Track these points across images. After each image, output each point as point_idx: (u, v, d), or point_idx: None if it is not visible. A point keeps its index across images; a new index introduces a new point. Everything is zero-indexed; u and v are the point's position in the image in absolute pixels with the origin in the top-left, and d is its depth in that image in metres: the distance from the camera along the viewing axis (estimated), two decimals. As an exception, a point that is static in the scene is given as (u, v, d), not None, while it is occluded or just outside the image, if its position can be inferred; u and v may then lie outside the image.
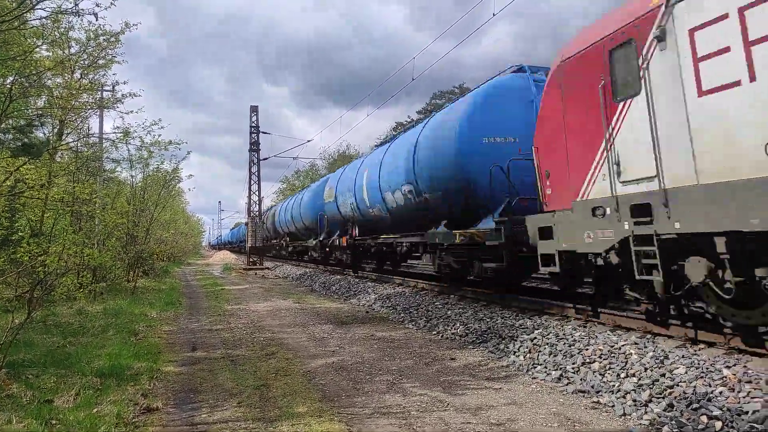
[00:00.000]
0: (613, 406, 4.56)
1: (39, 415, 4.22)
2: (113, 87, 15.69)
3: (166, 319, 10.36)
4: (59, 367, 5.76)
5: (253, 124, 30.69)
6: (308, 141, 46.25)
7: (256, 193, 31.19)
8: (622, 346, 5.51)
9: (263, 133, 31.14)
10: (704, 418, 3.92)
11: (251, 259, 30.42)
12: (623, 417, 4.35)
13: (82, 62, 13.28)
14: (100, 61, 13.70)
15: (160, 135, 15.77)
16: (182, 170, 23.09)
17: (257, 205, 31.26)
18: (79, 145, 15.87)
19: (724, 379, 4.30)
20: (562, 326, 6.70)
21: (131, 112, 13.81)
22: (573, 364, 5.55)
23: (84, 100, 14.13)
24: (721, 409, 3.93)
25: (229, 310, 11.51)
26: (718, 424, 3.80)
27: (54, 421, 4.17)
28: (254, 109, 30.88)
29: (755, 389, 4.01)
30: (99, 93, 15.69)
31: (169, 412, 4.74)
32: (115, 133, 15.09)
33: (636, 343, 5.50)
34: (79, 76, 13.67)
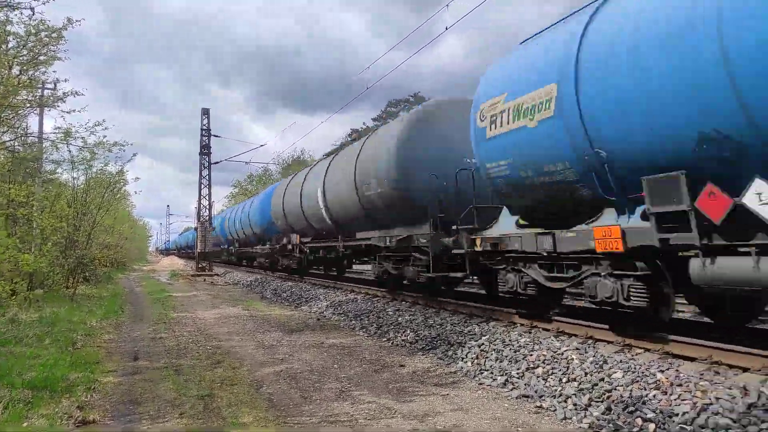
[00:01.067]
0: (555, 410, 4.69)
1: (-38, 431, 3.97)
2: (55, 85, 15.04)
3: (107, 327, 9.94)
4: (-13, 380, 5.43)
5: (204, 127, 30.03)
6: (261, 145, 45.79)
7: (207, 197, 30.49)
8: (565, 351, 5.68)
9: (215, 136, 30.52)
10: (639, 421, 4.09)
11: (200, 265, 29.65)
12: (564, 420, 4.48)
13: (21, 58, 12.67)
14: (41, 58, 13.10)
15: (105, 136, 15.19)
16: (128, 172, 22.30)
17: (207, 210, 30.55)
18: (15, 144, 15.10)
19: (658, 382, 4.51)
20: (509, 332, 6.85)
21: (73, 111, 13.18)
22: (518, 369, 5.68)
23: (22, 97, 13.48)
24: (654, 412, 4.11)
25: (175, 318, 11.16)
26: (652, 426, 3.97)
27: (-22, 437, 3.93)
28: (205, 112, 30.23)
29: (686, 392, 4.21)
30: (39, 91, 14.99)
31: (106, 424, 4.55)
32: (55, 133, 14.41)
33: (577, 348, 5.69)
34: (17, 73, 13.02)
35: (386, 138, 10.49)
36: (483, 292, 10.48)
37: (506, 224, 7.47)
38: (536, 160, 6.29)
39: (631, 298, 5.37)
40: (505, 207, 7.62)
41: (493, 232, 7.58)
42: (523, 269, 6.94)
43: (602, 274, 5.70)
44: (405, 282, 10.89)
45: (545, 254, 6.38)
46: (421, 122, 9.86)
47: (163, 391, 5.53)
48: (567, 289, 6.85)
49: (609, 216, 5.71)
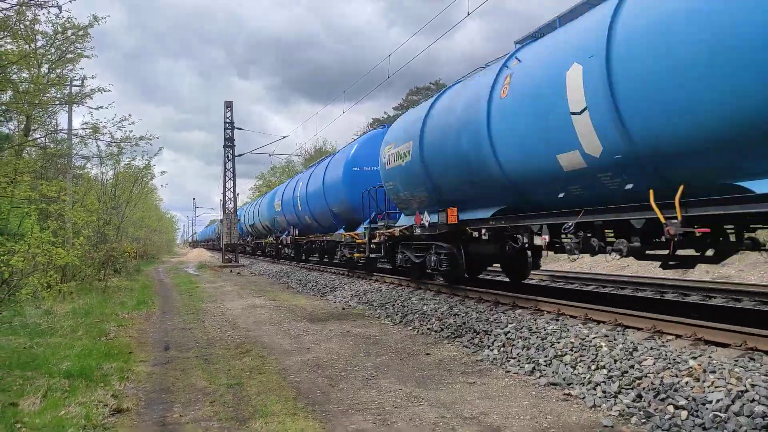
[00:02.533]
0: (583, 397, 4.64)
1: (3, 419, 4.11)
2: (82, 81, 15.35)
3: (137, 318, 10.18)
4: (25, 369, 5.61)
5: (228, 120, 30.33)
6: (284, 137, 46.04)
7: (231, 189, 30.86)
8: (593, 338, 5.61)
9: (238, 129, 30.80)
10: (671, 408, 4.02)
11: (226, 257, 30.10)
12: (593, 408, 4.43)
13: (49, 56, 12.95)
14: (69, 56, 13.38)
15: (131, 131, 15.47)
16: (154, 166, 22.70)
17: (232, 202, 30.94)
18: (46, 141, 15.50)
19: (690, 369, 4.41)
20: (536, 320, 6.79)
21: (101, 107, 13.46)
22: (545, 357, 5.63)
23: (52, 95, 13.79)
24: (686, 399, 4.03)
25: (203, 309, 11.37)
26: (684, 414, 3.90)
27: (19, 425, 4.07)
28: (228, 105, 30.52)
29: (719, 379, 4.12)
30: (67, 88, 15.31)
31: (140, 412, 4.66)
32: (84, 129, 14.70)
33: (606, 336, 5.61)
34: (46, 71, 13.32)
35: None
36: (506, 279, 11.15)
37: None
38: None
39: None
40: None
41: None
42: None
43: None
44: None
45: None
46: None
47: (194, 380, 5.64)
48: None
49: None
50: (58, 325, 8.20)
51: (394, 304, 9.97)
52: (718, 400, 3.85)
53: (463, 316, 7.89)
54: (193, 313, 10.80)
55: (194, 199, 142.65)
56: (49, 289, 10.36)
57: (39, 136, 14.74)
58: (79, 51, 13.08)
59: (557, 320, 6.61)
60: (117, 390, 5.20)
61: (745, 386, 3.90)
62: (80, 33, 11.98)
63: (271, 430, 4.09)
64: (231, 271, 24.89)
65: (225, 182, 30.71)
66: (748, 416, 3.60)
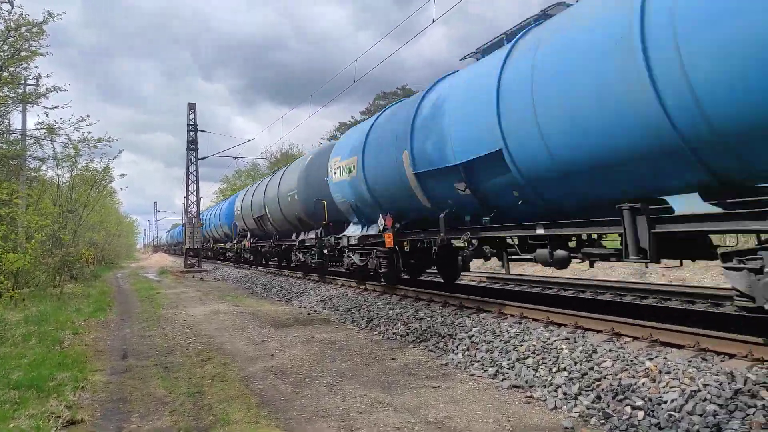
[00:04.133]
0: (545, 399, 4.72)
1: (-54, 434, 3.91)
2: (37, 80, 14.79)
3: (95, 326, 9.85)
4: (-28, 381, 5.35)
5: (191, 122, 29.76)
6: (249, 140, 45.15)
7: (195, 193, 30.25)
8: (555, 341, 5.72)
9: (201, 131, 30.25)
10: (628, 409, 4.13)
11: (189, 262, 29.46)
12: (554, 410, 4.51)
13: (1, 54, 12.43)
14: (22, 53, 12.86)
15: (89, 132, 14.98)
16: (114, 169, 22.06)
17: (195, 206, 30.32)
18: (-2, 142, 14.85)
19: (647, 370, 4.55)
20: (499, 323, 6.88)
21: (57, 107, 12.95)
22: (509, 360, 5.71)
23: (4, 93, 13.25)
24: (643, 399, 4.15)
25: (164, 315, 11.08)
26: (641, 414, 4.01)
27: (-37, 440, 3.87)
28: (192, 107, 29.95)
29: (674, 379, 4.26)
30: (21, 87, 14.73)
31: (95, 423, 4.50)
32: (38, 129, 14.16)
33: (567, 338, 5.73)
34: (-2, 68, 12.77)
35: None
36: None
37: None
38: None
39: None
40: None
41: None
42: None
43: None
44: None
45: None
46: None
47: (153, 389, 5.49)
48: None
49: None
50: (9, 334, 7.85)
51: (360, 309, 9.94)
52: (672, 400, 3.98)
53: (428, 320, 7.93)
54: (153, 319, 10.51)
55: (155, 202, 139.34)
56: (-1, 296, 9.93)
57: (-10, 136, 14.13)
58: (33, 48, 12.61)
59: (520, 323, 6.72)
60: (71, 401, 5.00)
61: (698, 386, 4.04)
62: (34, 30, 11.56)
63: (232, 439, 4.01)
64: (194, 277, 24.35)
65: (188, 185, 30.09)
66: (700, 415, 3.72)
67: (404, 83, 53.24)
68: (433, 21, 11.69)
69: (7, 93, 13.54)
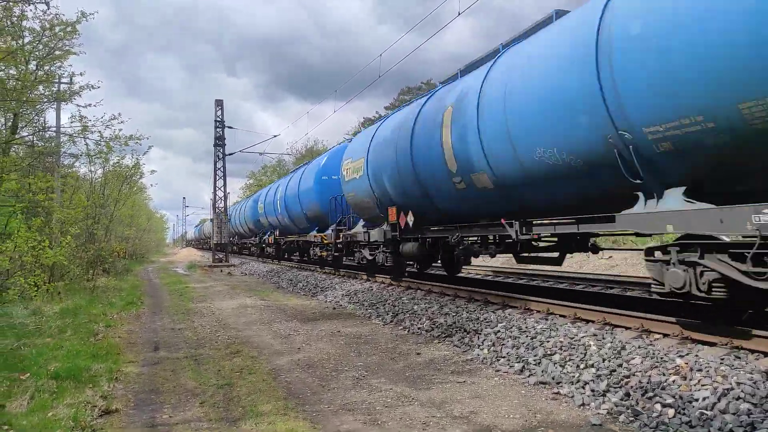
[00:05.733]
0: (572, 396, 4.68)
1: (-10, 421, 4.07)
2: (70, 79, 15.18)
3: (127, 318, 10.12)
4: (12, 371, 5.56)
5: (218, 119, 30.14)
6: (275, 136, 45.89)
7: (222, 189, 30.70)
8: (582, 337, 5.65)
9: (228, 127, 30.63)
10: (658, 406, 4.07)
11: (216, 256, 29.95)
12: (582, 407, 4.46)
13: (37, 53, 12.79)
14: (57, 52, 13.23)
15: (120, 129, 15.31)
16: (144, 165, 22.55)
17: (223, 201, 30.77)
18: (34, 139, 15.32)
19: (677, 368, 4.47)
20: (525, 319, 6.83)
21: (90, 105, 13.29)
22: (535, 356, 5.67)
23: (39, 92, 13.64)
24: (673, 397, 4.08)
25: (193, 309, 11.31)
26: (671, 412, 3.94)
27: (6, 427, 4.03)
28: (219, 103, 30.33)
29: (705, 377, 4.17)
30: (55, 85, 15.14)
31: (129, 414, 4.64)
32: (72, 127, 14.56)
33: (595, 335, 5.66)
34: (34, 68, 13.16)
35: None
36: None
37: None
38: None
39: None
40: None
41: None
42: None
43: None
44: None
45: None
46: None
47: (184, 380, 5.62)
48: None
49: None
50: (46, 326, 8.12)
51: (385, 304, 9.98)
52: (704, 398, 3.90)
53: (453, 316, 7.92)
54: (182, 313, 10.74)
55: (184, 198, 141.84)
56: (36, 289, 10.26)
57: (26, 134, 14.55)
58: (67, 48, 12.96)
59: (546, 320, 6.66)
60: (106, 391, 5.16)
61: (731, 384, 3.95)
62: (68, 29, 11.86)
63: (261, 431, 4.09)
64: (221, 271, 24.76)
65: (215, 181, 30.54)
66: (733, 414, 3.65)
67: (429, 77, 52.88)
68: (459, 14, 11.59)
69: (42, 91, 13.95)
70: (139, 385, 5.53)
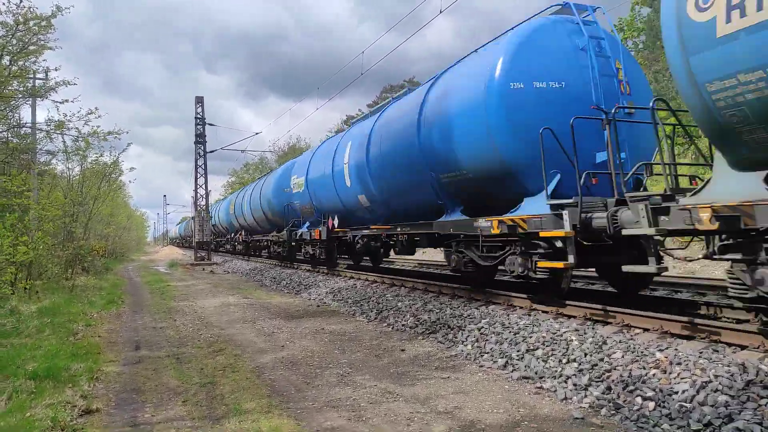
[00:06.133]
0: (555, 390, 4.73)
1: (-34, 423, 3.98)
2: (46, 74, 14.85)
3: (107, 317, 9.96)
4: (-11, 371, 5.44)
5: (198, 116, 29.82)
6: (257, 134, 45.59)
7: (203, 186, 30.38)
8: (564, 332, 5.72)
9: (209, 124, 30.32)
10: (639, 400, 4.13)
11: (198, 255, 29.65)
12: (564, 401, 4.52)
13: (10, 48, 12.49)
14: (31, 47, 12.92)
15: (98, 126, 15.02)
16: (123, 162, 22.18)
17: (204, 199, 30.46)
18: (9, 135, 14.96)
19: (657, 361, 4.54)
20: (508, 315, 6.89)
21: (66, 101, 12.99)
22: (518, 351, 5.72)
23: (14, 88, 13.32)
24: (654, 390, 4.15)
25: (175, 307, 11.18)
26: (652, 405, 4.01)
27: (-18, 428, 3.94)
28: (199, 101, 30.00)
29: (685, 370, 4.25)
30: (30, 81, 14.81)
31: (110, 413, 4.57)
32: (48, 123, 14.23)
33: (577, 330, 5.73)
34: (8, 62, 12.85)
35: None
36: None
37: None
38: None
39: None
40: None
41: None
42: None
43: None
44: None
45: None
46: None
47: (166, 379, 5.56)
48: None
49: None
50: (24, 326, 7.96)
51: (369, 301, 9.98)
52: (683, 391, 3.98)
53: (437, 312, 7.95)
54: (164, 312, 10.61)
55: (165, 196, 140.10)
56: (12, 288, 10.05)
57: (1, 130, 14.22)
58: (42, 42, 12.66)
59: (529, 315, 6.72)
60: (86, 391, 5.08)
61: (709, 377, 4.03)
62: (43, 24, 11.60)
63: (245, 429, 4.06)
64: (203, 269, 24.51)
65: (196, 179, 30.22)
66: (712, 406, 3.72)
67: (411, 75, 52.97)
68: (441, 12, 11.62)
69: (17, 87, 13.62)
70: (120, 384, 5.45)
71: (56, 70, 14.17)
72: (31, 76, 14.63)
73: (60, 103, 12.91)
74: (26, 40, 12.41)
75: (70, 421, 4.23)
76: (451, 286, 9.21)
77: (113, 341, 7.74)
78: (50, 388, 5.03)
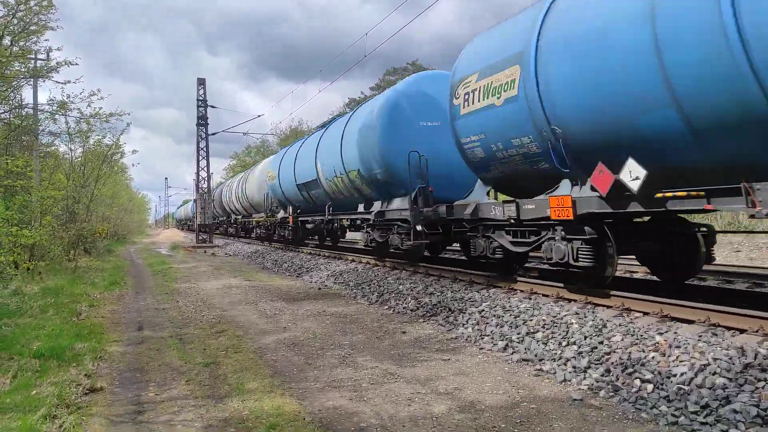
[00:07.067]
0: (554, 373, 4.77)
1: (-28, 399, 4.04)
2: (47, 54, 14.76)
3: (110, 298, 10.04)
4: (-6, 350, 5.50)
5: (200, 98, 29.66)
6: (259, 116, 45.29)
7: (205, 169, 30.34)
8: (564, 316, 5.75)
9: (211, 107, 30.17)
10: (637, 382, 4.17)
11: (200, 237, 29.73)
12: (564, 383, 4.56)
13: (11, 28, 12.39)
14: (32, 27, 12.82)
15: (101, 108, 14.95)
16: (125, 144, 22.21)
17: (206, 182, 30.44)
18: (11, 116, 14.92)
19: (657, 345, 4.57)
20: (509, 298, 6.92)
21: (68, 82, 12.89)
22: (518, 334, 5.76)
23: (15, 68, 13.25)
24: (652, 373, 4.18)
25: (177, 289, 11.25)
26: (650, 387, 4.05)
27: (-11, 405, 4.00)
28: (201, 82, 29.81)
29: (683, 353, 4.28)
30: (32, 61, 14.73)
31: (114, 392, 4.63)
32: (50, 104, 14.17)
33: (577, 313, 5.76)
34: (9, 43, 12.76)
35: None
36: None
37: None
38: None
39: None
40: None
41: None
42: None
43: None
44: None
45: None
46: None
47: (169, 359, 5.61)
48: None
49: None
50: (28, 306, 8.03)
51: (370, 284, 10.02)
52: (682, 374, 4.01)
53: (438, 295, 7.99)
54: (167, 293, 10.68)
55: (166, 178, 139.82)
56: (16, 268, 10.11)
57: (2, 111, 14.17)
58: (43, 22, 12.56)
59: (530, 299, 6.75)
60: (90, 370, 5.14)
61: (708, 360, 4.06)
62: (44, 3, 11.50)
63: (248, 408, 4.11)
64: (205, 252, 24.60)
65: (198, 161, 30.17)
66: (709, 388, 3.75)
67: (414, 58, 52.53)
68: (445, -7, 11.50)
69: (18, 67, 13.55)
70: (124, 364, 5.51)
71: (58, 50, 14.07)
72: (33, 56, 14.54)
73: (62, 84, 12.85)
74: (27, 20, 12.31)
75: (75, 399, 4.29)
76: (450, 270, 9.24)
77: (116, 322, 7.80)
78: (55, 367, 5.09)
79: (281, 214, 19.70)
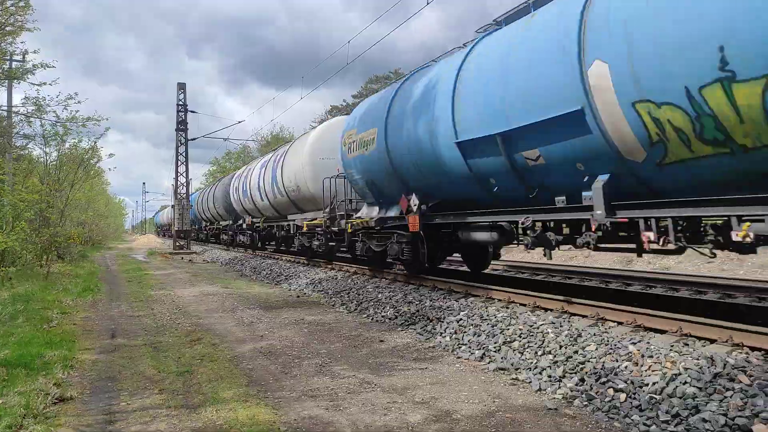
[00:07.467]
0: (530, 382, 4.81)
1: (-65, 409, 3.91)
2: (23, 56, 14.51)
3: (83, 305, 9.82)
4: (-41, 358, 5.34)
5: (180, 102, 29.40)
6: (240, 122, 45.11)
7: (184, 174, 30.01)
8: (541, 325, 5.81)
9: (191, 112, 29.93)
10: (611, 391, 4.22)
11: (177, 243, 29.34)
12: (539, 392, 4.60)
13: (-14, 28, 12.18)
14: (8, 28, 12.62)
15: (77, 111, 14.75)
16: (102, 149, 21.91)
17: (185, 187, 30.10)
18: (-17, 118, 14.61)
19: (630, 354, 4.64)
20: (487, 307, 6.96)
21: (44, 84, 12.69)
22: (495, 343, 5.79)
23: (-11, 69, 13.01)
24: (625, 382, 4.24)
25: (152, 296, 11.07)
26: (623, 396, 4.10)
27: (-48, 415, 3.88)
28: (182, 87, 29.57)
29: (656, 363, 4.35)
30: (7, 62, 14.47)
31: (84, 401, 4.53)
32: (25, 106, 13.93)
33: (553, 323, 5.82)
34: (-17, 44, 12.52)
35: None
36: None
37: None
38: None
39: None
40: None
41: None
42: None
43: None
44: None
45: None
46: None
47: (142, 368, 5.51)
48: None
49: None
50: (-4, 313, 7.81)
51: (349, 293, 9.99)
52: (654, 383, 4.08)
53: (417, 304, 8.00)
54: (141, 300, 10.50)
55: (144, 183, 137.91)
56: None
57: (-25, 112, 13.88)
58: (19, 23, 12.37)
59: (507, 308, 6.81)
60: (60, 378, 5.02)
61: (679, 370, 4.14)
62: (20, 4, 11.34)
63: (222, 417, 4.06)
64: (182, 258, 24.27)
65: (177, 167, 29.84)
66: (680, 397, 3.82)
67: (396, 66, 52.73)
68: (428, 3, 11.60)
69: (-7, 69, 13.31)
70: (96, 372, 5.39)
71: (35, 52, 13.85)
72: (8, 57, 14.29)
73: (38, 85, 12.66)
74: (3, 21, 12.11)
75: (43, 409, 4.18)
76: (430, 279, 9.27)
77: (89, 329, 7.64)
78: (23, 376, 4.95)
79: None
